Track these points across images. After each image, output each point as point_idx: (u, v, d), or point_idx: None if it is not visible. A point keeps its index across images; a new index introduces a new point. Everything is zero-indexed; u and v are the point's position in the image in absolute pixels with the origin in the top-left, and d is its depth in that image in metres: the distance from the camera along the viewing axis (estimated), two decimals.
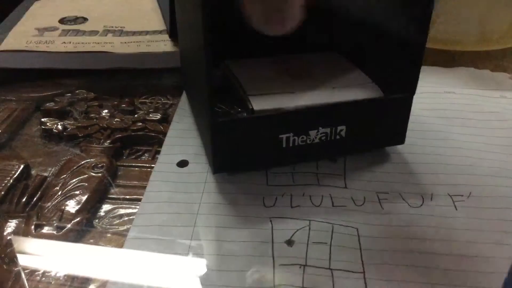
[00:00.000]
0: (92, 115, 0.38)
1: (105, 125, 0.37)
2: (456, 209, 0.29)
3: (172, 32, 0.46)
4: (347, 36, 0.37)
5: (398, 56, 0.32)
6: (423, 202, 0.30)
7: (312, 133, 0.30)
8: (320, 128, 0.30)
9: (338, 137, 0.31)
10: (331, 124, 0.30)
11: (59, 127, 0.36)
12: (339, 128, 0.31)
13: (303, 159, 0.32)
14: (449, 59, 0.46)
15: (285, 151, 0.30)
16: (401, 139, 0.33)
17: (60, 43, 0.45)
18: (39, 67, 0.43)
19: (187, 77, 0.38)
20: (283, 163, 0.32)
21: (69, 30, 0.48)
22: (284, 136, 0.30)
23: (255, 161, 0.31)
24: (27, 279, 0.25)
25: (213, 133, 0.29)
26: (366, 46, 0.35)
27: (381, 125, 0.32)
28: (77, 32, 0.48)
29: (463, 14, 0.46)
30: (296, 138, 0.30)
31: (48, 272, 0.26)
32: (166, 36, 0.47)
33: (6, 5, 0.52)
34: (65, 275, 0.26)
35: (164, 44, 0.45)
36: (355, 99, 0.31)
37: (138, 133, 0.36)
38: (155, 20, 0.51)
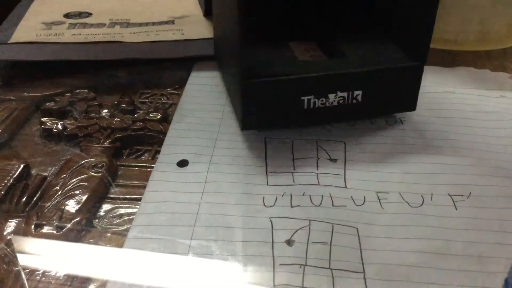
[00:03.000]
0: (92, 114, 0.38)
1: (105, 124, 0.37)
2: (456, 209, 0.29)
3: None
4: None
5: (408, 26, 0.34)
6: (423, 201, 0.30)
7: (331, 96, 0.33)
8: (338, 92, 0.33)
9: (354, 101, 0.34)
10: (348, 89, 0.33)
11: (59, 126, 0.36)
12: (355, 92, 0.33)
13: (322, 121, 0.35)
14: (449, 59, 0.46)
15: (306, 113, 0.33)
16: (412, 106, 0.36)
17: (70, 35, 0.45)
18: (51, 59, 0.43)
19: (220, 46, 0.41)
20: (304, 124, 0.35)
21: (76, 24, 0.48)
22: (305, 98, 0.33)
23: (279, 121, 0.34)
24: (27, 279, 0.25)
25: (243, 92, 0.32)
26: (379, 17, 0.38)
27: (394, 92, 0.35)
28: (85, 25, 0.47)
29: (463, 14, 0.46)
30: (316, 100, 0.33)
31: (48, 271, 0.26)
32: (173, 26, 0.47)
33: (4, 4, 0.52)
34: (65, 275, 0.26)
35: (172, 33, 0.45)
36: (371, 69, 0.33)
37: (138, 132, 0.36)
38: (159, 12, 0.51)
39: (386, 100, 0.35)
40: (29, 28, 0.46)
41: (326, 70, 0.33)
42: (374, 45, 0.36)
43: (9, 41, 0.43)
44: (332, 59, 0.36)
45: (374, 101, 0.34)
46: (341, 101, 0.33)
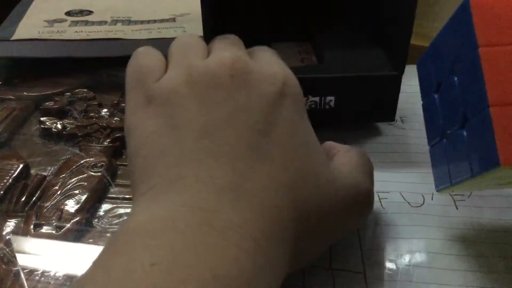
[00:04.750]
0: (92, 114, 0.38)
1: (104, 124, 0.37)
2: (457, 208, 0.29)
3: None
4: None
5: (390, 35, 0.33)
6: (424, 201, 0.30)
7: None
8: (309, 96, 0.32)
9: (327, 106, 0.33)
10: (320, 94, 0.33)
11: (59, 126, 0.36)
12: (328, 98, 0.33)
13: None
14: None
15: None
16: (391, 117, 0.35)
17: (73, 32, 0.45)
18: (53, 55, 0.43)
19: None
20: None
21: (77, 21, 0.48)
22: None
23: None
24: (26, 279, 0.25)
25: None
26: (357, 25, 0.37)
27: (371, 101, 0.34)
28: (86, 23, 0.48)
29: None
30: None
31: (47, 271, 0.26)
32: (174, 23, 0.47)
33: (6, 1, 0.52)
34: (64, 275, 0.26)
35: (174, 31, 0.45)
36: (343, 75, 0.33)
37: None
38: (161, 9, 0.51)
39: (361, 108, 0.34)
40: (31, 26, 0.46)
41: (298, 74, 0.32)
42: (362, 51, 0.35)
43: (11, 38, 0.43)
44: (307, 64, 0.35)
45: (348, 108, 0.34)
46: (313, 106, 0.33)
